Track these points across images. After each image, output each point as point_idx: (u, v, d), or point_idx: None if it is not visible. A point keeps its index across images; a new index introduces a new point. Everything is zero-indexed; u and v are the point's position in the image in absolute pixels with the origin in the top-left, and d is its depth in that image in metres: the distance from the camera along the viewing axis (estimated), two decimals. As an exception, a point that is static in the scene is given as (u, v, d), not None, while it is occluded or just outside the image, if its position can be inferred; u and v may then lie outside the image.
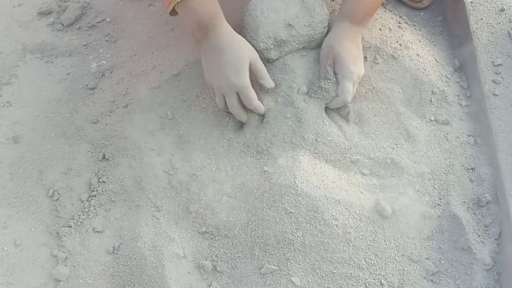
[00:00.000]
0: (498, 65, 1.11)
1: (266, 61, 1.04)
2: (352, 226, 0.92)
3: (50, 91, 1.18)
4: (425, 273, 0.93)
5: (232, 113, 1.01)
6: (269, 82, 1.00)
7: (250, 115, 1.02)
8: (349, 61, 1.00)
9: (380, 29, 1.14)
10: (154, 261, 0.91)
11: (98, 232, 0.97)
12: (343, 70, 1.00)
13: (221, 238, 0.93)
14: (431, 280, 0.92)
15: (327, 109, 1.04)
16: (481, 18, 1.18)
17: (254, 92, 0.98)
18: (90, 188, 1.02)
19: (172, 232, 0.94)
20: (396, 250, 0.93)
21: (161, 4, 1.33)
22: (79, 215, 0.99)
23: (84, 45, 1.27)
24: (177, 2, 0.93)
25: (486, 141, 1.05)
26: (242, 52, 0.96)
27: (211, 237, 0.94)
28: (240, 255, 0.91)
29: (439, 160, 1.03)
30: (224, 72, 0.95)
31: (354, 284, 0.89)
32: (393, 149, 1.02)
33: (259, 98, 1.00)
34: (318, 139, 1.00)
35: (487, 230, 0.96)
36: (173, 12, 0.97)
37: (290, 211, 0.91)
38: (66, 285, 0.92)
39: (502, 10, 1.20)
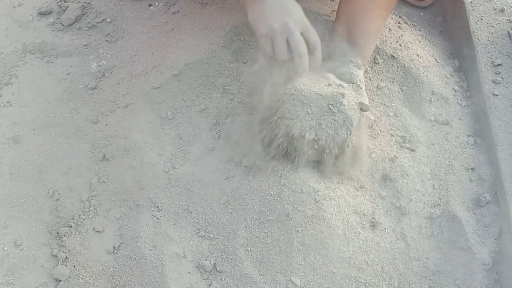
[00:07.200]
0: (498, 65, 1.11)
1: None
2: (352, 226, 0.92)
3: (50, 91, 1.18)
4: (425, 273, 0.93)
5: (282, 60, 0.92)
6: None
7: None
8: None
9: (380, 29, 1.14)
10: (154, 261, 0.91)
11: (98, 232, 0.96)
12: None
13: (221, 238, 0.93)
14: (431, 280, 0.92)
15: None
16: (481, 18, 1.18)
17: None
18: (90, 188, 1.02)
19: (172, 232, 0.94)
20: (396, 250, 0.93)
21: (161, 4, 1.34)
22: (79, 215, 0.99)
23: (84, 45, 1.27)
24: None
25: (486, 141, 1.05)
26: None
27: (211, 237, 0.94)
28: (240, 254, 0.91)
29: (439, 160, 1.03)
30: (279, 12, 0.90)
31: (354, 284, 0.89)
32: (393, 149, 1.02)
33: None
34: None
35: (487, 230, 0.96)
36: None
37: (290, 211, 0.91)
38: (66, 285, 0.92)
39: (502, 10, 1.20)
